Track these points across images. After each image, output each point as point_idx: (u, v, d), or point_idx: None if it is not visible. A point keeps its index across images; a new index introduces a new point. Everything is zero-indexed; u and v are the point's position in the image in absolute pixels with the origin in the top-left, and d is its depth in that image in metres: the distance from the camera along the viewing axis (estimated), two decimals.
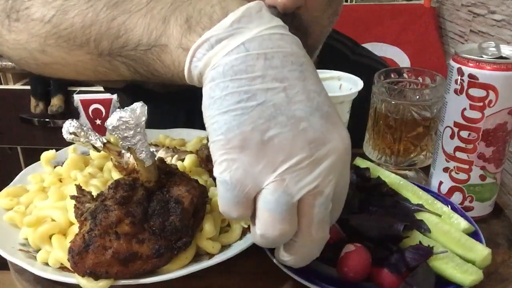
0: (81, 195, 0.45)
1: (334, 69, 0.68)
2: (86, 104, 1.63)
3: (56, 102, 1.62)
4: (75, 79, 0.52)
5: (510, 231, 0.55)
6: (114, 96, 1.56)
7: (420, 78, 0.63)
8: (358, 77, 0.66)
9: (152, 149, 0.56)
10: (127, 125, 0.40)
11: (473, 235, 0.49)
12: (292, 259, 0.40)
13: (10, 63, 1.70)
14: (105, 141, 0.50)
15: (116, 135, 0.40)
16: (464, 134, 0.53)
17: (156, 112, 0.64)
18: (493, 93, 0.49)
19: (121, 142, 0.41)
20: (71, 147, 0.60)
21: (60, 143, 0.58)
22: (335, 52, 0.86)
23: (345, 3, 1.85)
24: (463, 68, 0.51)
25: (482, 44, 0.53)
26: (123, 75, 0.46)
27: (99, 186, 0.51)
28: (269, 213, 0.34)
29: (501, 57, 0.50)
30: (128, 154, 0.52)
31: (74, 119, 0.50)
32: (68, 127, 0.49)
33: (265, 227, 0.35)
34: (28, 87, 1.66)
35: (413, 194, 0.55)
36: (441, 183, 0.57)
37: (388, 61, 0.94)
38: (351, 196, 0.52)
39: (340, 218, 0.50)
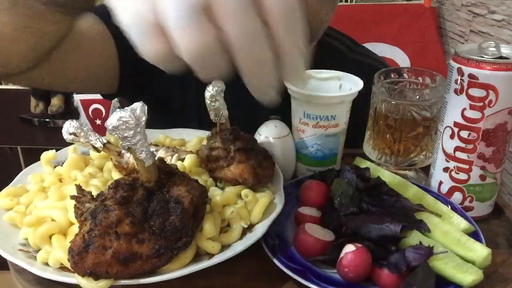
0: (81, 195, 0.45)
1: (331, 67, 0.68)
2: (86, 104, 1.63)
3: (56, 102, 1.62)
4: (28, 62, 0.56)
5: (510, 231, 0.55)
6: None
7: (420, 78, 0.63)
8: (356, 75, 0.66)
9: (152, 149, 0.56)
10: (127, 125, 0.40)
11: (473, 235, 0.49)
12: (244, 71, 0.34)
13: None
14: (105, 141, 0.50)
15: (116, 135, 0.40)
16: (464, 134, 0.53)
17: (153, 119, 0.65)
18: (493, 93, 0.50)
19: (121, 142, 0.41)
20: (71, 147, 0.60)
21: (60, 143, 0.58)
22: (332, 50, 0.86)
23: (345, 3, 1.85)
24: (463, 68, 0.51)
25: (482, 44, 0.53)
26: (45, 17, 0.50)
27: (99, 186, 0.51)
28: (177, 27, 0.31)
29: (501, 57, 0.50)
30: (128, 154, 0.52)
31: (74, 120, 0.50)
32: (68, 127, 0.49)
33: (183, 44, 0.31)
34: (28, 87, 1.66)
35: (413, 194, 0.55)
36: (441, 183, 0.57)
37: (388, 61, 0.94)
38: (351, 196, 0.52)
39: (339, 219, 0.50)
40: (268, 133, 0.62)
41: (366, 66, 0.85)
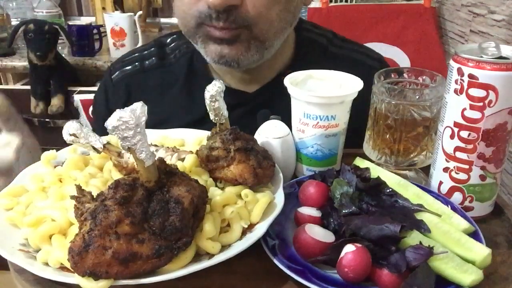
0: (81, 195, 0.45)
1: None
2: (86, 104, 1.62)
3: (56, 102, 1.62)
4: None
5: (510, 231, 0.55)
6: None
7: (420, 78, 0.63)
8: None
9: (152, 149, 0.56)
10: (127, 125, 0.40)
11: (473, 235, 0.49)
12: None
13: (10, 63, 1.70)
14: (104, 142, 0.50)
15: (116, 135, 0.40)
16: (464, 134, 0.53)
17: None
18: (493, 93, 0.49)
19: (121, 142, 0.41)
20: (71, 147, 0.60)
21: (60, 143, 0.58)
22: (313, 44, 0.85)
23: (345, 3, 1.85)
24: (463, 68, 0.51)
25: (482, 44, 0.53)
26: None
27: (99, 186, 0.51)
28: None
29: (501, 57, 0.50)
30: (128, 154, 0.52)
31: (75, 121, 0.50)
32: (68, 128, 0.49)
33: None
34: (28, 87, 1.66)
35: (413, 194, 0.55)
36: (441, 183, 0.57)
37: (388, 61, 0.93)
38: (351, 196, 0.52)
39: (339, 219, 0.50)
40: (268, 133, 0.62)
41: (351, 61, 0.83)
